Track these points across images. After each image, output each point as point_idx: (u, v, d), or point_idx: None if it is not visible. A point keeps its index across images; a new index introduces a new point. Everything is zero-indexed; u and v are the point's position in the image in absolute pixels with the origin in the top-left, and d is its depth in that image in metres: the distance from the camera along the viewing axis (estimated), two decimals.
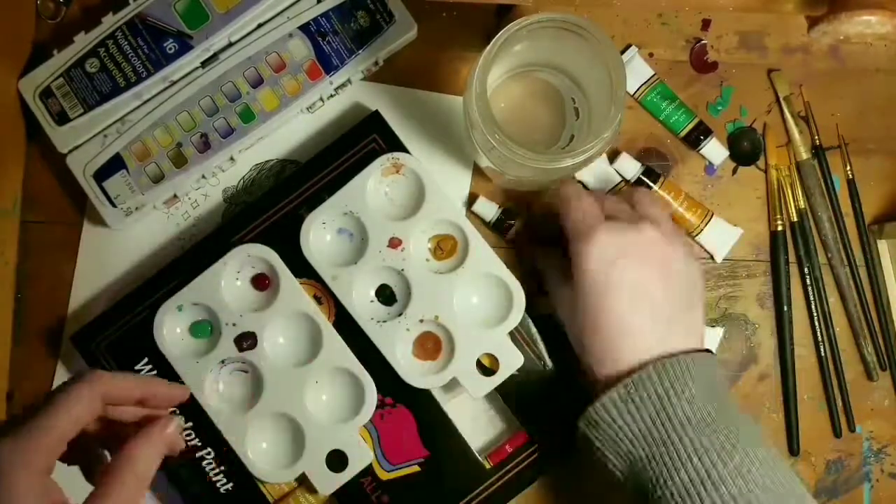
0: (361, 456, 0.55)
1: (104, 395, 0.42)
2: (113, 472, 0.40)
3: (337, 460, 0.55)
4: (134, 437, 0.42)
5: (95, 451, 0.46)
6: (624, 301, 0.48)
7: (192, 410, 0.56)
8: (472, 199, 0.61)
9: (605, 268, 0.48)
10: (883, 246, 0.62)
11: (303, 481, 0.56)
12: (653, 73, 0.62)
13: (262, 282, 0.57)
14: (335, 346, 0.56)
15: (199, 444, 0.56)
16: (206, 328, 0.57)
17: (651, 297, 0.49)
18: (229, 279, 0.57)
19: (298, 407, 0.56)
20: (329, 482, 0.55)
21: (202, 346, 0.57)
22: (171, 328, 0.57)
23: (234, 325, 0.56)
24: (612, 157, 0.61)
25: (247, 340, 0.56)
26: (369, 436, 0.57)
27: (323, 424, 0.56)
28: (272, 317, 0.56)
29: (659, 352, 0.48)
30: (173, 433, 0.44)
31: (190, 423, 0.56)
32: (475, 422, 0.59)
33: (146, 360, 0.56)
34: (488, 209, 0.60)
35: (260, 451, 0.56)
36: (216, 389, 0.57)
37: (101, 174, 0.57)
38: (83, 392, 0.41)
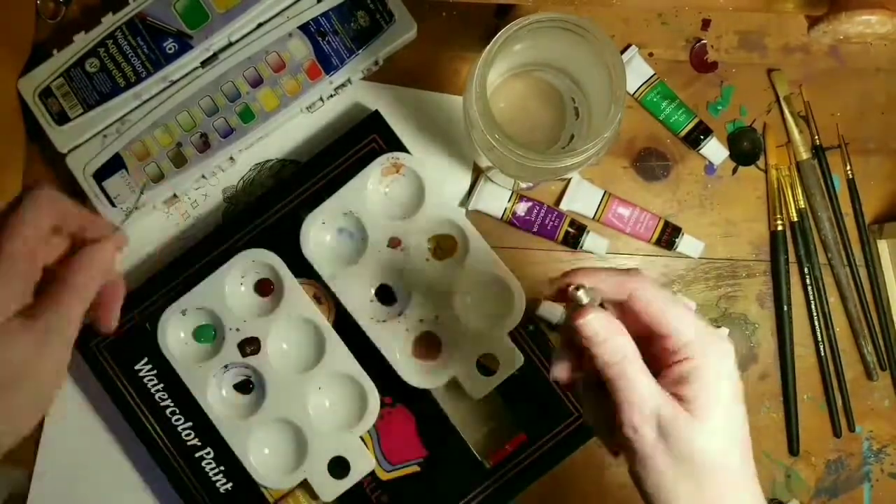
0: (363, 463, 0.55)
1: (58, 211, 0.40)
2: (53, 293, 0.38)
3: (339, 467, 0.55)
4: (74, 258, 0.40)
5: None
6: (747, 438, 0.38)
7: (192, 410, 0.56)
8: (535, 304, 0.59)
9: (738, 393, 0.38)
10: (883, 246, 0.62)
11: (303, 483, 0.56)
12: (653, 72, 0.62)
13: (266, 287, 0.57)
14: (338, 353, 0.56)
15: (199, 444, 0.56)
16: (209, 333, 0.57)
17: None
18: (233, 284, 0.57)
19: (301, 413, 0.56)
20: (330, 489, 0.55)
21: (206, 350, 0.57)
22: (175, 332, 0.56)
23: (237, 329, 0.56)
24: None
25: (250, 346, 0.56)
26: (369, 436, 0.57)
27: (325, 431, 0.56)
28: (276, 322, 0.56)
29: None
30: (110, 253, 0.41)
31: (190, 423, 0.56)
32: (475, 422, 0.58)
33: (146, 359, 0.56)
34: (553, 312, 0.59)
35: (262, 456, 0.56)
36: (219, 394, 0.57)
37: (101, 174, 0.57)
38: (43, 201, 0.39)
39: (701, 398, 0.36)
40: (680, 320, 0.38)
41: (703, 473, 0.36)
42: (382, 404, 0.56)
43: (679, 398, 0.37)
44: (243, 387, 0.57)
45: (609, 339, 0.37)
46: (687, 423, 0.36)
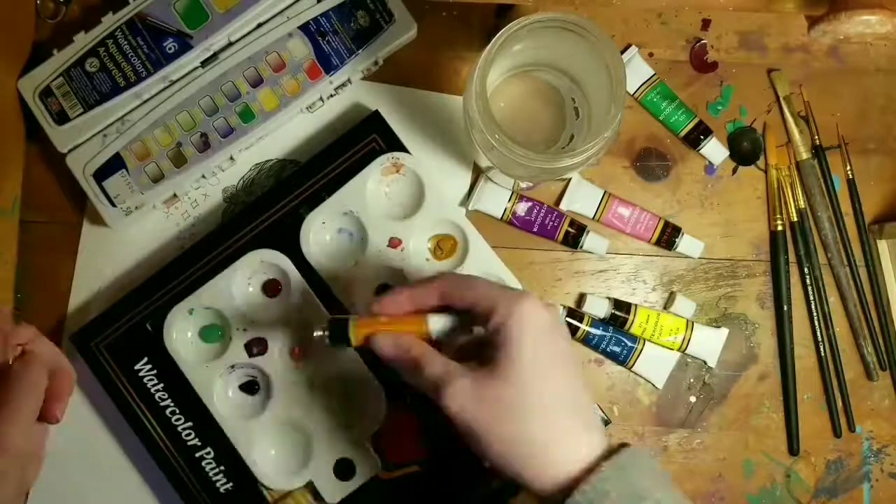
0: (369, 464, 0.55)
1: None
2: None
3: (344, 468, 0.55)
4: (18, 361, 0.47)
5: None
6: (561, 380, 0.42)
7: (192, 410, 0.56)
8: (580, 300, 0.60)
9: (546, 339, 0.41)
10: (883, 246, 0.62)
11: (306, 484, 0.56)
12: (653, 72, 0.62)
13: (274, 288, 0.57)
14: (345, 354, 0.56)
15: (199, 444, 0.56)
16: (216, 333, 0.57)
17: (577, 374, 0.43)
18: (241, 284, 0.57)
19: (307, 414, 0.55)
20: (336, 490, 0.55)
21: (212, 350, 0.57)
22: (182, 331, 0.56)
23: (244, 330, 0.56)
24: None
25: (257, 346, 0.56)
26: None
27: (331, 432, 0.56)
28: (283, 323, 0.56)
29: (594, 453, 0.42)
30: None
31: (190, 423, 0.56)
32: None
33: (146, 359, 0.56)
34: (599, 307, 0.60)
35: (268, 457, 0.56)
36: (225, 394, 0.57)
37: (101, 174, 0.57)
38: None
39: (499, 355, 0.41)
40: (475, 293, 0.43)
41: (509, 416, 0.41)
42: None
43: (484, 359, 0.42)
44: (249, 387, 0.57)
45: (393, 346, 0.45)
46: (477, 380, 0.41)
